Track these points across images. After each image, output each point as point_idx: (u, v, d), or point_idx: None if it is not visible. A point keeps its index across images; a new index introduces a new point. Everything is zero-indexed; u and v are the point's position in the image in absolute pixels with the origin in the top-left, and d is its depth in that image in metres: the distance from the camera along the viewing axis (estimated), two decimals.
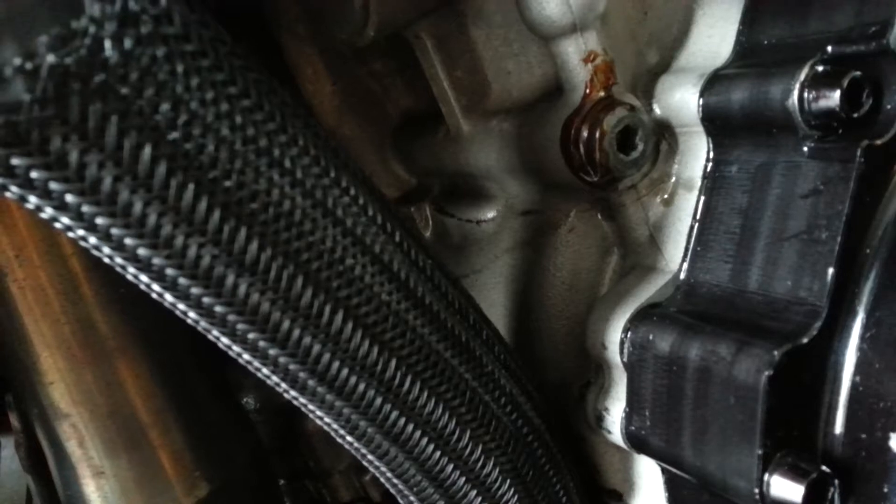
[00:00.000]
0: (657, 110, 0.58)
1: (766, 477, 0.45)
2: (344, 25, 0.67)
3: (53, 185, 0.33)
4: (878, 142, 0.46)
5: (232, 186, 0.37)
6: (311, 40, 0.80)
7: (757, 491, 0.45)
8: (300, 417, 0.83)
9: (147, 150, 0.34)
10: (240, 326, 0.41)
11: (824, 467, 0.44)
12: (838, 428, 0.47)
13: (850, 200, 0.46)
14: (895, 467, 0.44)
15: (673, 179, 0.58)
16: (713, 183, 0.55)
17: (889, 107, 0.46)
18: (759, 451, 0.45)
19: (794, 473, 0.44)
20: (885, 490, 0.44)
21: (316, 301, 0.41)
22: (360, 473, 0.83)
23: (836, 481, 0.44)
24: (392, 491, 0.55)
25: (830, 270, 0.46)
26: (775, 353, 0.45)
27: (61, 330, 0.56)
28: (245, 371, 0.83)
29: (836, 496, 0.45)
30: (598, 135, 0.55)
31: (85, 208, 0.35)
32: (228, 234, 0.37)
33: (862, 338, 0.46)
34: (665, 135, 0.58)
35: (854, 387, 0.46)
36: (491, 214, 0.72)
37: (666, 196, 0.59)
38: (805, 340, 0.45)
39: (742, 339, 0.47)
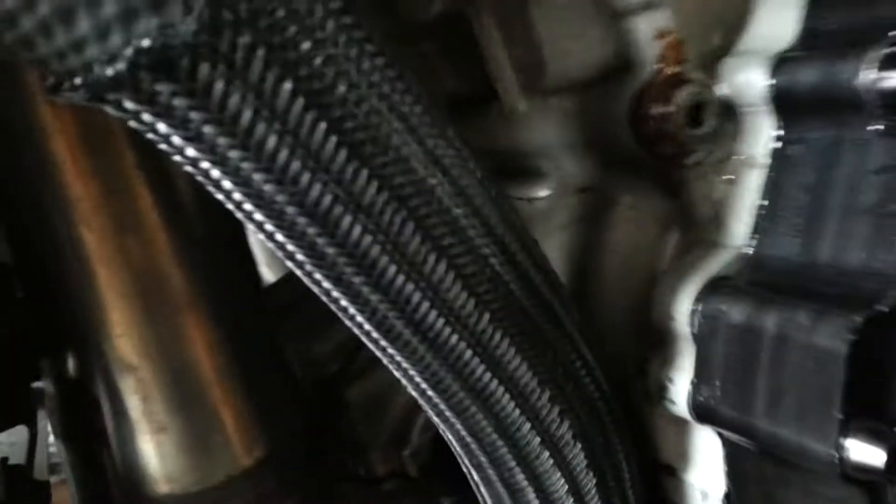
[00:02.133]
0: (722, 90, 0.60)
1: (845, 441, 0.46)
2: (410, 1, 0.68)
3: (193, 115, 0.34)
4: None
5: (357, 127, 0.38)
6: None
7: (836, 455, 0.46)
8: (340, 389, 0.84)
9: (287, 86, 0.35)
10: (347, 270, 0.41)
11: None
12: None
13: None
14: None
15: (737, 157, 0.60)
16: (780, 161, 0.57)
17: None
18: (840, 416, 0.46)
19: (876, 438, 0.45)
20: None
21: (423, 248, 0.42)
22: (398, 448, 0.83)
23: None
24: (460, 453, 0.56)
25: None
26: (857, 318, 0.46)
27: (135, 282, 0.56)
28: (287, 340, 0.83)
29: None
30: (669, 110, 0.56)
31: (220, 140, 0.35)
32: (351, 175, 0.38)
33: None
34: (729, 114, 0.60)
35: None
36: (544, 192, 0.73)
37: (730, 174, 0.60)
38: (885, 308, 0.47)
39: (819, 307, 0.48)
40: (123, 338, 0.57)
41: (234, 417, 0.61)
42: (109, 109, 0.34)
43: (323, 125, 0.36)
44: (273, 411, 0.65)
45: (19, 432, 0.87)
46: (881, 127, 0.51)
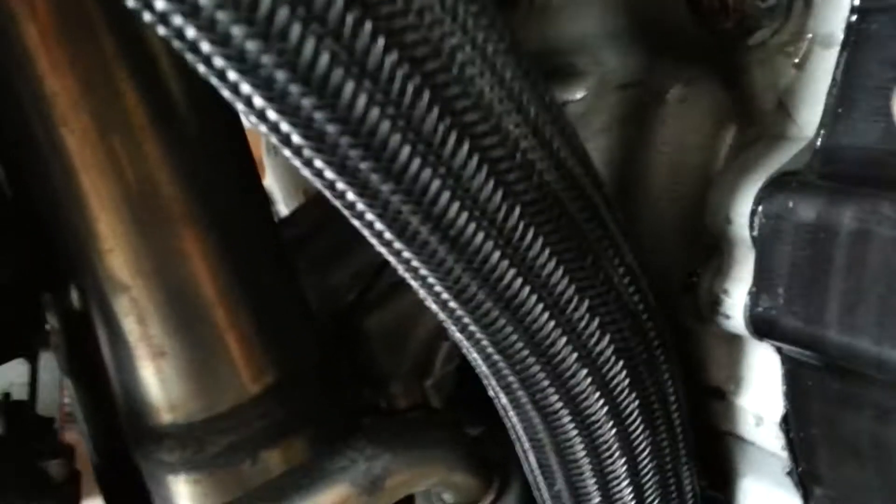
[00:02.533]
0: None
1: None
2: None
3: (221, 16, 0.29)
4: None
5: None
6: None
7: None
8: (358, 319, 0.78)
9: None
10: (352, 153, 0.35)
11: None
12: None
13: None
14: None
15: (808, 37, 0.52)
16: (859, 35, 0.49)
17: None
18: None
19: None
20: None
21: (441, 125, 0.35)
22: (420, 379, 0.78)
23: None
24: (486, 374, 0.50)
25: None
26: None
27: (122, 190, 0.50)
28: (301, 270, 0.77)
29: None
30: None
31: (249, 45, 0.30)
32: (350, 29, 0.31)
33: None
34: None
35: None
36: (580, 94, 0.65)
37: (799, 56, 0.52)
38: None
39: None
40: (113, 252, 0.51)
41: (240, 341, 0.56)
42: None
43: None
44: (284, 337, 0.59)
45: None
46: None
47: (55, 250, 0.57)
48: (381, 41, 0.32)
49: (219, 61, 0.32)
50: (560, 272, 0.43)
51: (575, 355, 0.46)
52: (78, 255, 0.53)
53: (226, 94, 0.34)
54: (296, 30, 0.30)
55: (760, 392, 0.56)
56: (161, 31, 0.31)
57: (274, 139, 0.36)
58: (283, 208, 1.66)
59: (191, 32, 0.30)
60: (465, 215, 0.38)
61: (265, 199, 0.63)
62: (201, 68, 0.32)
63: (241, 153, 0.57)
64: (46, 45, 0.47)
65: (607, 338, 0.46)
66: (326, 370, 0.64)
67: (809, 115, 0.51)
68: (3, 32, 0.47)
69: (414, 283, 0.44)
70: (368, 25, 0.32)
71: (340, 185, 0.37)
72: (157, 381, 0.55)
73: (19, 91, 0.48)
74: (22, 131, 0.50)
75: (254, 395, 0.57)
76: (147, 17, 0.30)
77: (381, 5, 0.32)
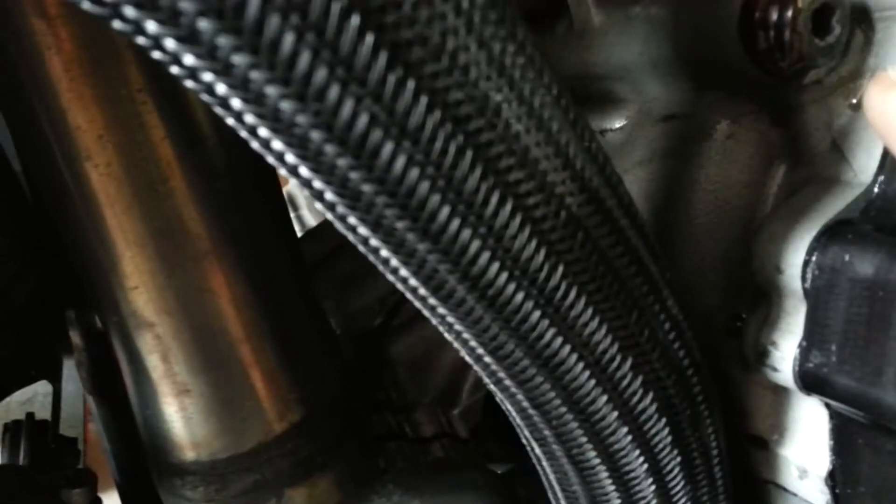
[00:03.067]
0: None
1: None
2: None
3: (254, 75, 0.27)
4: None
5: (399, 22, 0.29)
6: None
7: None
8: (383, 344, 0.77)
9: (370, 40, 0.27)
10: (388, 212, 0.33)
11: None
12: None
13: None
14: None
15: (867, 76, 0.49)
16: None
17: None
18: None
19: None
20: None
21: (483, 185, 0.33)
22: (447, 407, 0.77)
23: None
24: (519, 424, 0.48)
25: None
26: None
27: (147, 226, 0.48)
28: (325, 292, 0.76)
29: None
30: (790, 14, 0.46)
31: (284, 105, 0.28)
32: (393, 87, 0.29)
33: None
34: (861, 21, 0.48)
35: None
36: (619, 123, 0.63)
37: (857, 97, 0.49)
38: None
39: None
40: (138, 290, 0.50)
41: (265, 379, 0.54)
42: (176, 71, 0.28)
43: (356, 18, 0.27)
44: (309, 372, 0.58)
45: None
46: None
47: (78, 280, 0.56)
48: (423, 101, 0.30)
49: (251, 119, 0.30)
50: (603, 331, 0.40)
51: (616, 413, 0.44)
52: (102, 291, 0.52)
53: (256, 146, 0.32)
54: (334, 91, 0.28)
55: (806, 444, 0.53)
56: (189, 84, 0.29)
57: (305, 192, 0.34)
58: (306, 213, 1.64)
59: (221, 89, 0.29)
60: (504, 275, 0.36)
61: (292, 233, 0.61)
62: (231, 121, 0.31)
63: (268, 187, 0.55)
64: (70, 78, 0.46)
65: (650, 395, 0.44)
66: (350, 403, 0.63)
67: (866, 158, 0.48)
68: (27, 64, 0.46)
69: (448, 336, 0.42)
70: (411, 85, 0.30)
71: (374, 242, 0.35)
72: (181, 418, 0.54)
73: (41, 124, 0.47)
74: (45, 164, 0.49)
75: (279, 434, 0.55)
76: (175, 70, 0.28)
77: (425, 64, 0.30)
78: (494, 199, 0.34)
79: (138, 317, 0.51)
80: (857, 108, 0.50)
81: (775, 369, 0.50)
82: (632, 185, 0.61)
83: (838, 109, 0.50)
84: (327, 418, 0.59)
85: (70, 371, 0.90)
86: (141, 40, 0.27)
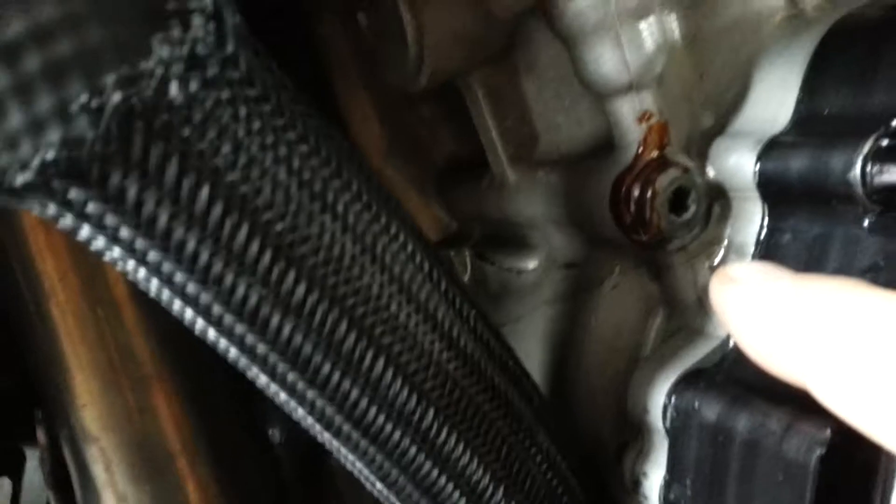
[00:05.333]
0: (711, 173, 0.57)
1: None
2: (397, 72, 0.67)
3: (109, 220, 0.33)
4: None
5: (285, 229, 0.37)
6: (364, 84, 0.81)
7: None
8: (325, 454, 0.82)
9: (205, 191, 0.34)
10: (280, 367, 0.40)
11: None
12: None
13: None
14: None
15: (724, 243, 0.57)
16: (767, 250, 0.54)
17: None
18: None
19: None
20: None
21: (359, 346, 0.41)
22: None
23: None
24: None
25: None
26: (827, 431, 0.43)
27: (99, 354, 0.56)
28: (273, 403, 0.82)
29: None
30: (649, 195, 0.54)
31: (138, 243, 0.34)
32: (277, 276, 0.37)
33: None
34: (718, 198, 0.57)
35: None
36: (532, 265, 0.71)
37: (716, 260, 0.58)
38: None
39: (793, 412, 0.45)
40: (86, 408, 0.57)
41: (199, 490, 0.60)
42: (35, 210, 0.34)
43: (245, 227, 0.35)
44: (242, 482, 0.64)
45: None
46: (872, 222, 0.48)
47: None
48: (315, 294, 0.38)
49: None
50: (475, 463, 0.47)
51: None
52: (57, 406, 0.59)
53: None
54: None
55: None
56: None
57: None
58: None
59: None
60: (382, 417, 0.43)
61: None
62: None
63: None
64: (38, 230, 0.54)
65: None
66: None
67: None
68: (4, 219, 0.55)
69: (345, 464, 0.49)
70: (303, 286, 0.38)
71: (273, 388, 0.43)
72: None
73: (13, 266, 0.55)
74: (13, 300, 0.56)
75: None
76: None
77: (308, 257, 0.38)
78: (369, 357, 0.41)
79: (86, 431, 0.58)
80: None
81: (646, 497, 0.56)
82: (539, 320, 0.69)
83: (702, 270, 0.58)
84: None
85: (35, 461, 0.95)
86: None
